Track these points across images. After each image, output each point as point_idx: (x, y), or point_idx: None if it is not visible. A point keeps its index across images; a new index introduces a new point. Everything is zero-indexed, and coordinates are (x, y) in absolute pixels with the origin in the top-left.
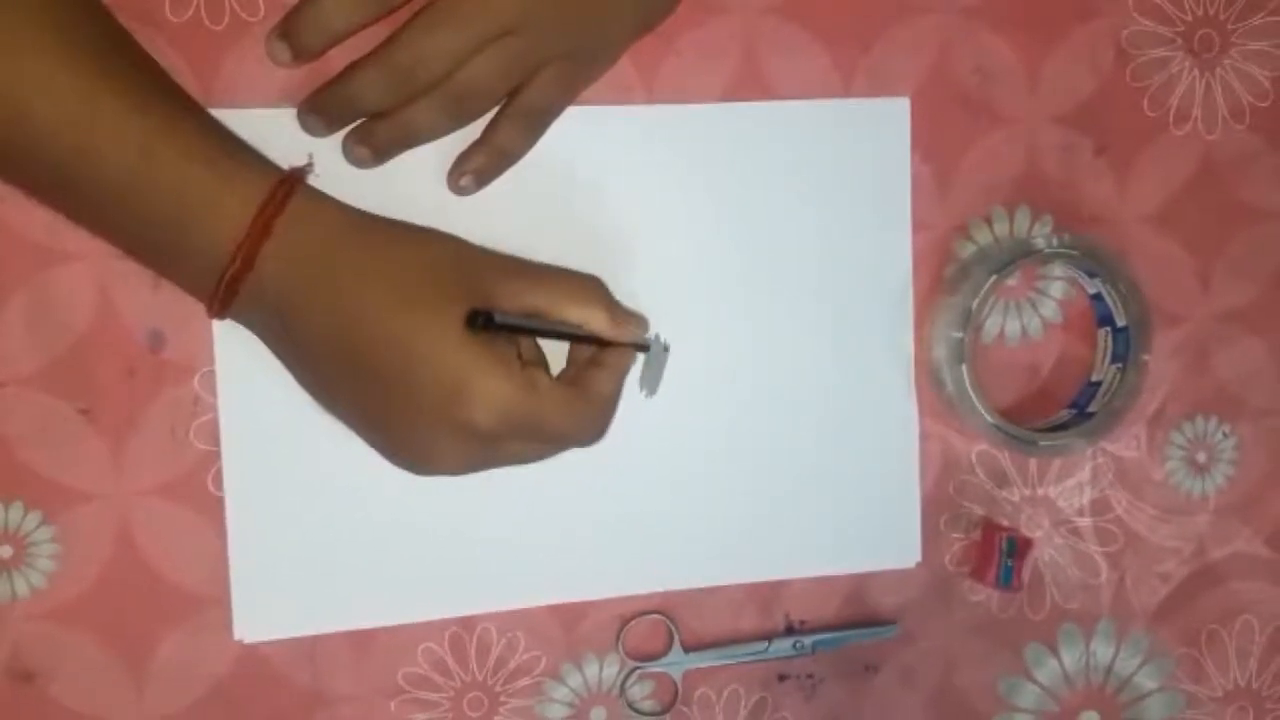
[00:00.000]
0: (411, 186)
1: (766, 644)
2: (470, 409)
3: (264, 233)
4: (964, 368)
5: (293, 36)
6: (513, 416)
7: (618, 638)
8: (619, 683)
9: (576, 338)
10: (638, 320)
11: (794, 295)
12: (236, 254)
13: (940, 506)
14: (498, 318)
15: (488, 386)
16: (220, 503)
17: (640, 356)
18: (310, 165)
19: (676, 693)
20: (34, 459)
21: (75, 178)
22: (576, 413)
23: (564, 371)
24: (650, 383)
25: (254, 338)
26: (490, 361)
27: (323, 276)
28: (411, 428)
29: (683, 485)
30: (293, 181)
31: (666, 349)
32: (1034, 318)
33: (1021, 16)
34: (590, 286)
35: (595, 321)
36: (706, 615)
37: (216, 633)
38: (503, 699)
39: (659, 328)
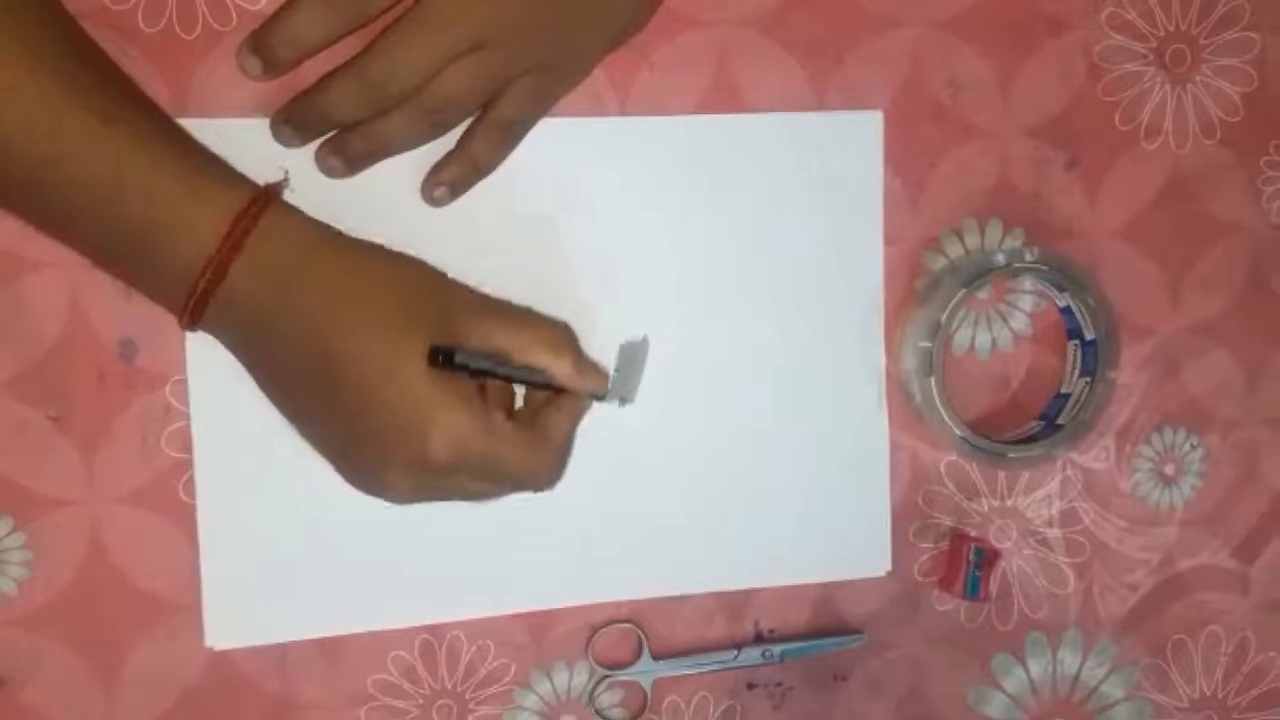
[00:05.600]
0: (386, 197)
1: (735, 652)
2: (426, 443)
3: (236, 248)
4: (933, 379)
5: (264, 49)
6: (469, 453)
7: (587, 646)
8: (588, 691)
9: (534, 383)
10: (599, 373)
11: (765, 306)
12: (207, 268)
13: (909, 517)
14: (458, 358)
15: (446, 422)
16: (191, 510)
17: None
18: (286, 180)
19: (646, 701)
20: (4, 466)
21: (44, 188)
22: (533, 456)
23: (520, 411)
24: (625, 389)
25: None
26: (452, 397)
27: (293, 293)
28: (367, 451)
29: (653, 494)
30: (267, 197)
31: (646, 345)
32: (1004, 330)
33: (994, 30)
34: (559, 334)
35: (559, 370)
36: (676, 623)
37: (187, 639)
38: (472, 706)
39: (631, 337)
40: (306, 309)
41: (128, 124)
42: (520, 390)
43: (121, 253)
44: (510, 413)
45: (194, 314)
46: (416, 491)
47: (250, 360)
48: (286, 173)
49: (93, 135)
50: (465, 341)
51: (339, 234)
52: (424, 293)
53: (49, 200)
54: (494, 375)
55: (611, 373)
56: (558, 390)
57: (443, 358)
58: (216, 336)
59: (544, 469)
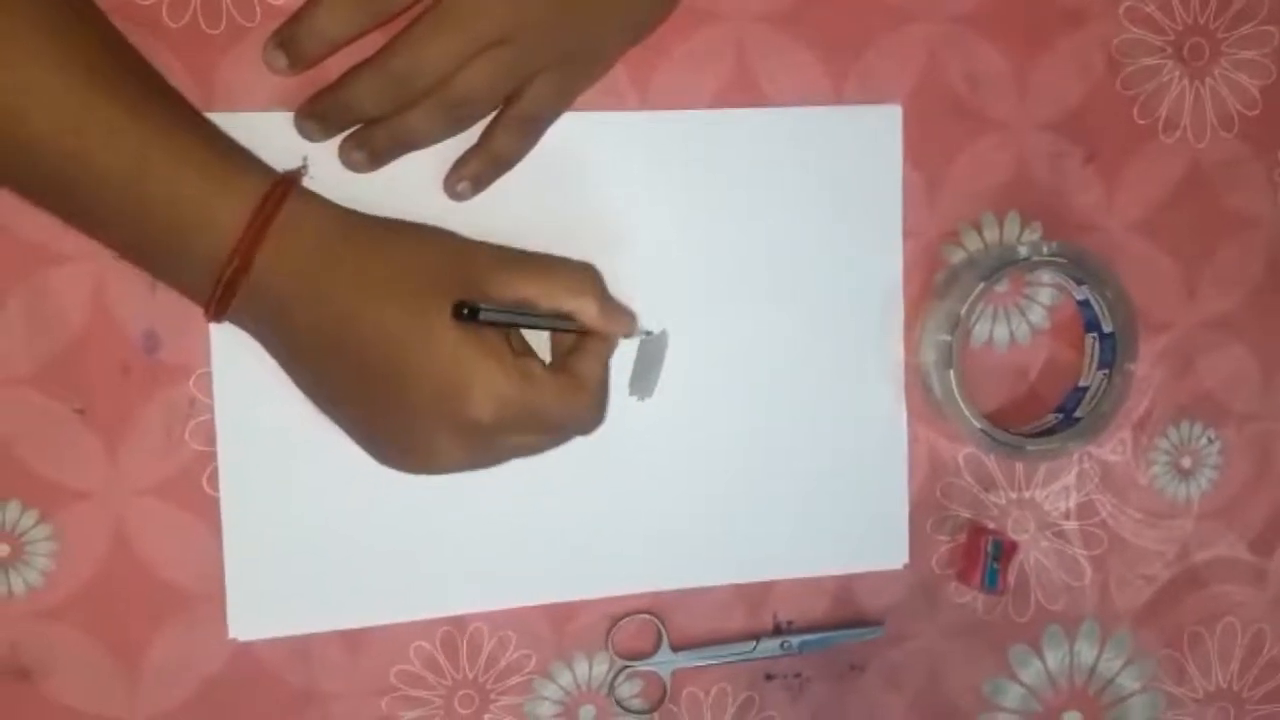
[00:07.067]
0: (408, 191)
1: (754, 644)
2: (468, 403)
3: (260, 236)
4: (952, 372)
5: (290, 45)
6: (511, 407)
7: (607, 637)
8: (608, 681)
9: (564, 329)
10: (628, 313)
11: (785, 299)
12: (233, 257)
13: (927, 509)
14: (482, 314)
15: (484, 379)
16: (215, 502)
17: (628, 347)
18: (305, 168)
19: (665, 691)
20: (30, 458)
21: (71, 181)
22: (573, 399)
23: (550, 361)
24: (644, 385)
25: (250, 339)
26: (484, 354)
27: (318, 277)
28: (410, 427)
29: (672, 486)
30: (288, 184)
31: (665, 340)
32: (1022, 323)
33: (1012, 24)
34: (584, 275)
35: (585, 312)
36: (695, 615)
37: (210, 630)
38: (493, 697)
39: (649, 332)
40: (332, 292)
41: (153, 116)
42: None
43: (147, 245)
44: (540, 361)
45: (220, 305)
46: (468, 457)
47: (279, 349)
48: (305, 159)
49: (119, 127)
50: (490, 296)
51: (358, 214)
52: (445, 257)
53: (75, 193)
54: (521, 325)
55: (631, 368)
56: (584, 333)
57: (467, 312)
58: (243, 327)
59: (585, 411)
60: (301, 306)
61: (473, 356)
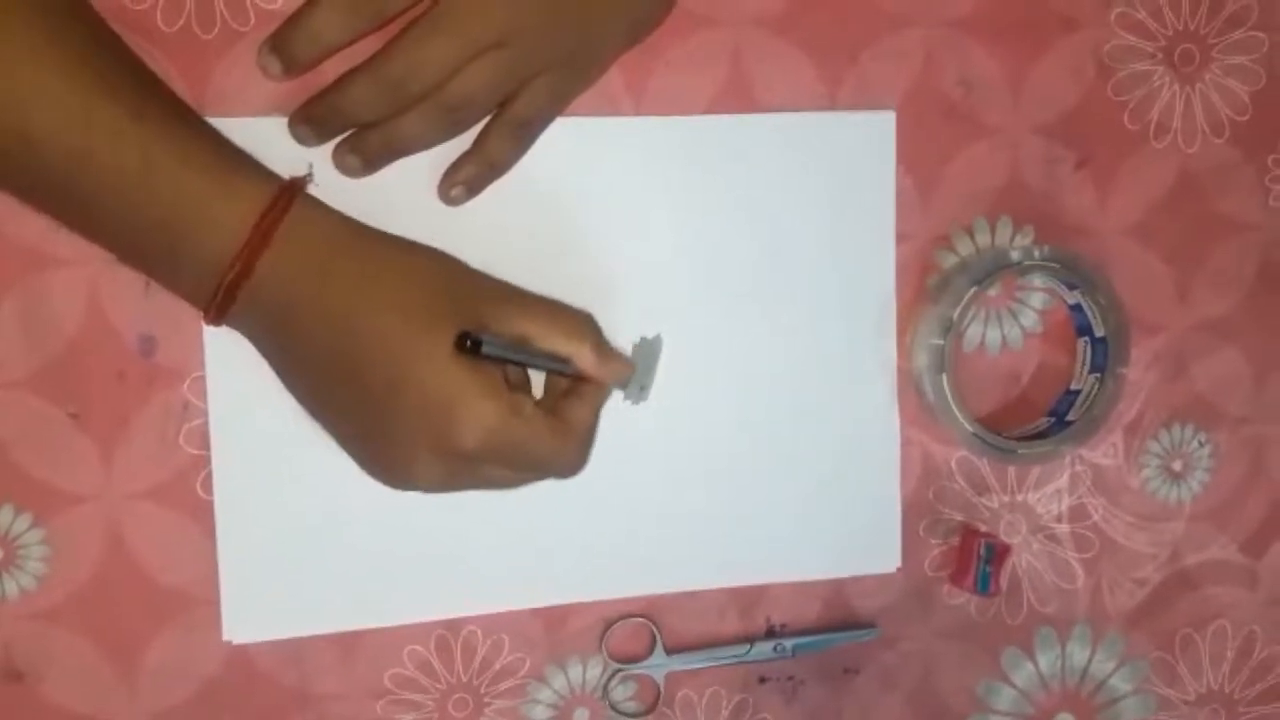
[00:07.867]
0: (403, 196)
1: (748, 646)
2: (454, 428)
3: (264, 241)
4: (944, 376)
5: (284, 49)
6: (496, 439)
7: (601, 640)
8: (602, 684)
9: (558, 371)
10: (623, 362)
11: (778, 303)
12: (235, 262)
13: (920, 512)
14: (485, 347)
15: (473, 407)
16: (209, 506)
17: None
18: (310, 175)
19: (659, 694)
20: (25, 461)
21: (72, 185)
22: (558, 441)
23: (542, 400)
24: (639, 389)
25: (244, 344)
26: (479, 384)
27: (320, 285)
28: (394, 441)
29: (666, 489)
30: (293, 191)
31: (659, 345)
32: (1014, 327)
33: (1005, 29)
34: (581, 321)
35: (582, 357)
36: (689, 618)
37: (205, 633)
38: (487, 700)
39: (645, 336)
40: (333, 301)
41: (156, 120)
42: (539, 380)
43: (149, 248)
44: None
45: (220, 309)
46: (444, 480)
47: (275, 354)
48: (311, 166)
49: (122, 131)
50: (489, 328)
51: (363, 226)
52: (449, 282)
53: (79, 197)
54: (518, 362)
55: None
56: (579, 379)
57: (470, 344)
58: (241, 330)
59: (569, 455)
60: (301, 313)
61: (466, 382)
